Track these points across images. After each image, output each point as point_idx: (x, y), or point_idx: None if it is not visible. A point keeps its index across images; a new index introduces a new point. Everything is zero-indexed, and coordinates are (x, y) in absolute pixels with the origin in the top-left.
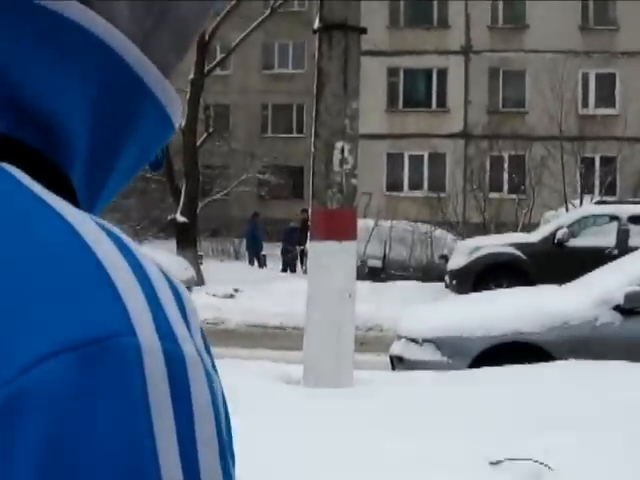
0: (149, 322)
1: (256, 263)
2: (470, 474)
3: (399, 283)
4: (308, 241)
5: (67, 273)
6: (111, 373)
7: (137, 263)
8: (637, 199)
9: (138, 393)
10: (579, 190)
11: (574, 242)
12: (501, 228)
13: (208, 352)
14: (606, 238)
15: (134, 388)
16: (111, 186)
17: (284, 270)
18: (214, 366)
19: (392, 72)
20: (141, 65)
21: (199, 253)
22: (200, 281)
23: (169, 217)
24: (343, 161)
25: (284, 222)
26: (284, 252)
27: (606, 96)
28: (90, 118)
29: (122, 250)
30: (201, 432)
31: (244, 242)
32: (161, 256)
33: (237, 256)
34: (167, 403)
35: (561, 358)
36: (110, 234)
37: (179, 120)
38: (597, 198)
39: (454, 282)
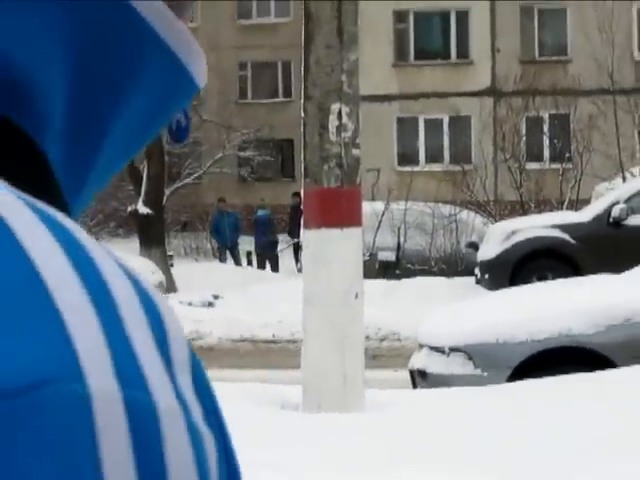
0: (104, 361)
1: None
2: None
3: (418, 280)
4: (302, 230)
5: None
6: (42, 436)
7: (92, 270)
8: None
9: (84, 459)
10: (638, 155)
11: (634, 220)
12: (542, 206)
13: (204, 394)
14: None
15: (77, 453)
16: (105, 162)
17: (259, 267)
18: (215, 413)
19: (400, 16)
20: None
21: (168, 253)
22: (171, 287)
23: (129, 209)
24: (341, 128)
25: (272, 209)
26: (256, 247)
27: None
28: (66, 60)
29: (70, 251)
30: None
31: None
32: None
33: (216, 254)
34: (129, 469)
35: (623, 364)
36: (55, 228)
37: (204, 74)
38: None
39: (486, 276)
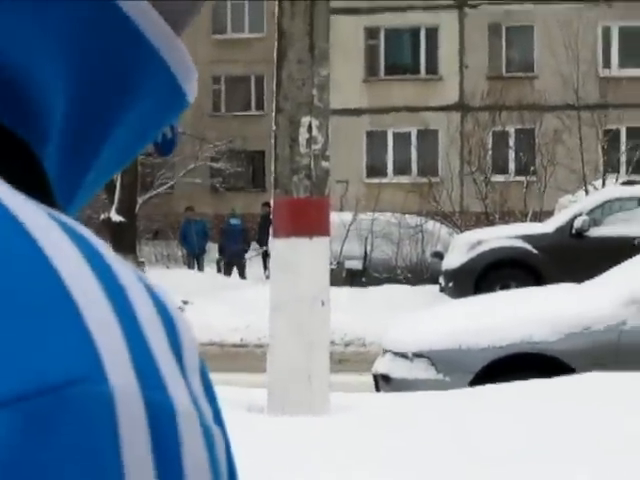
0: (126, 363)
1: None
2: None
3: (384, 288)
4: (270, 239)
5: (10, 295)
6: (68, 433)
7: (112, 279)
8: None
9: (107, 458)
10: (601, 169)
11: (596, 232)
12: (507, 218)
13: (211, 399)
14: (634, 226)
15: (101, 452)
16: (99, 170)
17: (226, 274)
18: (218, 416)
19: (371, 33)
20: (138, 10)
21: (140, 259)
22: None
23: (102, 216)
24: (311, 140)
25: (242, 218)
26: (226, 254)
27: (633, 54)
28: (67, 69)
29: (92, 261)
30: None
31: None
32: None
33: (186, 262)
34: (148, 470)
35: (582, 370)
36: (77, 237)
37: (195, 91)
38: (623, 178)
39: (451, 284)
